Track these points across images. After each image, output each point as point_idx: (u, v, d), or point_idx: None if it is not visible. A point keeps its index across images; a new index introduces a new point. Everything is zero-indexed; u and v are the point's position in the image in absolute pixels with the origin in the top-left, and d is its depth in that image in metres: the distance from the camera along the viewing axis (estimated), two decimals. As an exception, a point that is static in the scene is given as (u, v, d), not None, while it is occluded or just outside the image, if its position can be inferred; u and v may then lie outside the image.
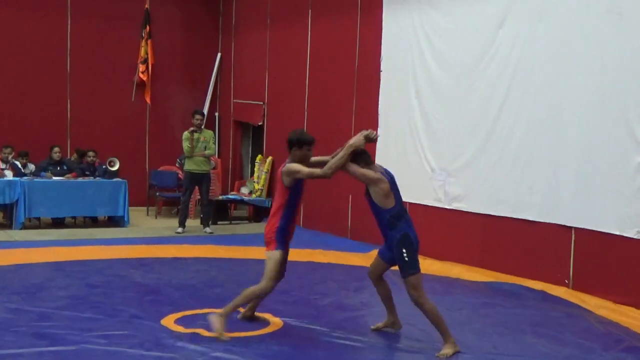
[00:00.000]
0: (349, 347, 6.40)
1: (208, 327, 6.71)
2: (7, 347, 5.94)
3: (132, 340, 6.28)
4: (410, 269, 6.33)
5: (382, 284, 6.96)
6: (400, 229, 6.41)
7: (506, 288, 8.90)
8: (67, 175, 12.99)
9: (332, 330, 6.89)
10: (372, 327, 7.00)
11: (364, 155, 6.47)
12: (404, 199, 10.93)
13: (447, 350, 6.27)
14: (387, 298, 6.97)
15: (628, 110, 8.02)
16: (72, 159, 13.88)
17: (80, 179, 13.02)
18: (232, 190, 15.46)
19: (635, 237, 7.98)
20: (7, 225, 12.61)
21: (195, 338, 6.42)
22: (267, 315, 7.25)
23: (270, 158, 14.44)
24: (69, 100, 14.94)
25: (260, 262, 8.59)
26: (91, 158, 13.52)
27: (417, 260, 6.41)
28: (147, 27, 15.30)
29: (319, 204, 13.05)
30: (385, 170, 6.67)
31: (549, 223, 8.97)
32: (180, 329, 6.70)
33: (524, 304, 8.24)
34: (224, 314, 6.48)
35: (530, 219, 9.19)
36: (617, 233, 8.17)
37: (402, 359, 6.32)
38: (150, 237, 11.92)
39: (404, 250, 6.35)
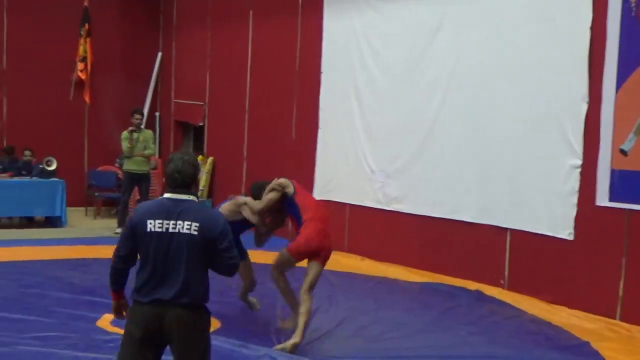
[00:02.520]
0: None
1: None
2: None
3: (66, 341, 6.22)
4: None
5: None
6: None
7: (442, 289, 9.02)
8: (2, 175, 12.74)
9: (264, 327, 6.94)
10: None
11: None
12: (345, 200, 11.12)
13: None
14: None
15: (561, 113, 8.22)
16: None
17: (16, 179, 12.78)
18: (172, 190, 15.31)
19: (567, 238, 8.18)
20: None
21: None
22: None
23: (211, 158, 14.39)
24: (5, 98, 14.66)
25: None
26: (27, 157, 13.28)
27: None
28: (87, 25, 15.06)
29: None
30: None
31: (484, 224, 9.13)
32: (116, 330, 6.63)
33: (459, 304, 8.37)
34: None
35: (467, 220, 9.34)
36: (550, 234, 8.36)
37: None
38: (88, 238, 11.77)
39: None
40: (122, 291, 4.32)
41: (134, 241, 4.10)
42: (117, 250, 4.21)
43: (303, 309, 6.39)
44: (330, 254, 6.77)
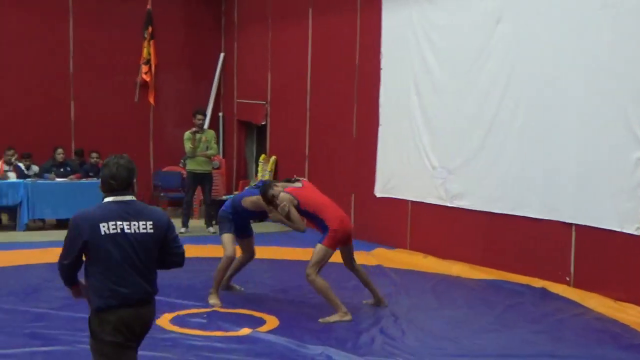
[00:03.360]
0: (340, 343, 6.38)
1: (203, 327, 6.73)
2: (0, 347, 5.95)
3: (125, 340, 6.26)
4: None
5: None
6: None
7: (506, 286, 8.85)
8: (71, 177, 13.00)
9: (325, 327, 6.90)
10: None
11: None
12: (406, 197, 11.03)
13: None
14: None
15: (626, 105, 7.96)
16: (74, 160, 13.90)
17: (83, 180, 13.03)
18: (236, 190, 15.44)
19: (635, 233, 7.91)
20: (12, 226, 12.63)
21: (189, 337, 6.42)
22: (263, 314, 7.25)
23: (273, 157, 14.43)
24: (72, 102, 14.97)
25: (262, 261, 8.78)
26: (94, 159, 13.53)
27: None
28: (150, 28, 15.25)
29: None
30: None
31: (549, 220, 8.91)
32: (174, 328, 6.71)
33: (523, 301, 8.20)
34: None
35: (531, 216, 9.14)
36: (617, 229, 8.10)
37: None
38: (152, 238, 11.89)
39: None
40: (78, 280, 4.25)
41: (82, 248, 4.05)
42: (62, 259, 4.15)
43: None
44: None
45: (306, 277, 7.25)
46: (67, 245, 4.13)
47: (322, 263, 7.24)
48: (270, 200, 7.39)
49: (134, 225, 4.09)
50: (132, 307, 4.08)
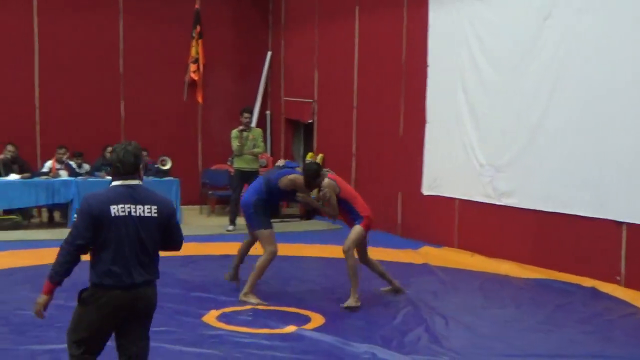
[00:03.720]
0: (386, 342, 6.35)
1: (249, 324, 6.76)
2: (51, 342, 6.08)
3: (172, 336, 6.35)
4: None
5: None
6: None
7: (555, 285, 8.73)
8: (121, 175, 13.14)
9: (371, 325, 6.88)
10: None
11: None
12: (453, 195, 10.96)
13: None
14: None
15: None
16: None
17: (132, 178, 13.16)
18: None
19: (688, 231, 7.75)
20: (64, 224, 12.84)
21: (235, 334, 6.46)
22: (308, 312, 7.26)
23: (320, 155, 14.43)
24: (122, 101, 15.17)
25: (308, 259, 8.85)
26: (143, 157, 13.66)
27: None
28: (198, 27, 15.41)
29: (368, 201, 12.94)
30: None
31: (599, 218, 8.76)
32: (221, 325, 6.76)
33: (572, 300, 8.07)
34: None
35: (581, 214, 8.99)
36: (670, 228, 7.95)
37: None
38: (200, 235, 12.00)
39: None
40: (59, 285, 4.36)
41: (94, 229, 4.19)
42: (73, 239, 4.23)
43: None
44: None
45: (345, 251, 7.59)
46: (78, 224, 4.24)
47: (358, 243, 7.75)
48: (311, 183, 7.60)
49: (140, 208, 4.26)
50: (124, 289, 4.25)
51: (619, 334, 6.89)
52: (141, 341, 4.47)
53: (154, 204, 4.30)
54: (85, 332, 4.31)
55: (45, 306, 4.40)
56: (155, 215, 4.29)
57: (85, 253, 4.30)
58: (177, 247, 4.59)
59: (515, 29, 9.88)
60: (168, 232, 4.41)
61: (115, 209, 4.20)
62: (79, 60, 14.69)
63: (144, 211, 4.26)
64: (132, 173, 4.32)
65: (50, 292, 4.36)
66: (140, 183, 4.36)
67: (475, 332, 6.80)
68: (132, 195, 4.26)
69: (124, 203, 4.22)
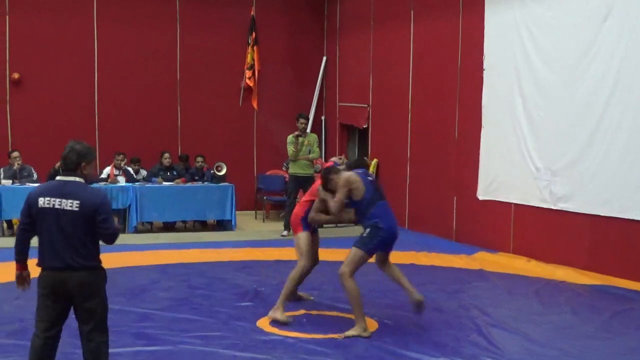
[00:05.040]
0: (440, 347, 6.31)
1: (302, 329, 6.78)
2: (107, 346, 6.14)
3: (226, 341, 6.42)
4: (360, 244, 6.76)
5: (388, 269, 7.17)
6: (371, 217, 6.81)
7: (614, 291, 8.57)
8: (177, 181, 13.33)
9: (424, 331, 6.84)
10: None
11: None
12: (509, 199, 10.82)
13: (354, 332, 6.62)
14: (396, 279, 7.14)
15: None
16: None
17: (189, 184, 13.35)
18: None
19: None
20: (122, 229, 13.03)
21: (288, 340, 6.49)
22: (361, 318, 7.23)
23: (375, 160, 14.41)
24: (179, 107, 15.37)
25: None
26: (200, 163, 13.83)
27: (373, 246, 6.78)
28: (253, 34, 15.58)
29: (423, 206, 12.93)
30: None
31: (658, 223, 8.59)
32: (275, 330, 6.79)
33: (632, 307, 7.91)
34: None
35: (638, 218, 8.81)
36: None
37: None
38: (255, 240, 12.10)
39: (368, 231, 6.78)
40: (24, 262, 5.02)
41: (30, 215, 4.85)
42: (19, 224, 4.99)
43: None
44: None
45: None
46: (22, 211, 4.92)
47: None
48: (325, 185, 7.07)
49: (64, 202, 4.77)
50: (52, 271, 4.81)
51: (680, 342, 6.73)
52: (88, 326, 4.89)
53: (77, 199, 4.76)
54: (39, 309, 4.90)
55: (19, 280, 5.07)
56: (77, 209, 4.74)
57: (31, 236, 4.94)
58: (106, 239, 4.91)
59: (573, 31, 9.74)
60: (94, 225, 4.80)
61: (42, 201, 4.79)
62: (136, 68, 14.96)
63: (66, 205, 4.75)
64: (73, 170, 4.87)
65: (19, 269, 5.03)
66: (77, 179, 4.85)
67: (530, 339, 6.70)
68: (61, 190, 4.80)
69: (51, 196, 4.79)
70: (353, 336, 6.56)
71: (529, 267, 9.95)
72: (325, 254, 8.86)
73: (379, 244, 6.78)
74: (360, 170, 7.08)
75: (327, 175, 7.00)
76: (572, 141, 9.74)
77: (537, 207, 10.36)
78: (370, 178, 7.03)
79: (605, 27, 9.24)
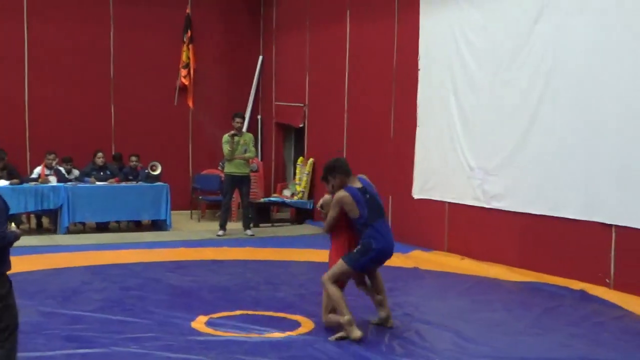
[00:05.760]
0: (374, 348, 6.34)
1: (238, 330, 6.74)
2: (38, 349, 6.03)
3: (160, 342, 6.33)
4: (348, 259, 6.65)
5: (374, 279, 7.10)
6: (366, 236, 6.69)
7: (544, 288, 8.73)
8: (110, 180, 13.12)
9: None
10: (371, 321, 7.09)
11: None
12: (444, 198, 10.93)
13: (342, 334, 6.49)
14: (378, 290, 7.07)
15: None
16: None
17: (122, 184, 13.16)
18: (274, 192, 15.49)
19: (677, 234, 7.76)
20: (52, 230, 12.80)
21: (224, 340, 6.44)
22: (298, 317, 7.23)
23: (311, 160, 14.42)
24: (112, 106, 15.14)
25: (299, 264, 8.57)
26: (134, 163, 13.65)
27: (360, 263, 6.68)
28: (189, 32, 15.45)
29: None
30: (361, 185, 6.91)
31: (589, 221, 8.76)
32: (210, 331, 6.73)
33: (561, 304, 8.07)
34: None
35: (570, 217, 9.00)
36: (659, 230, 7.95)
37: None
38: (190, 240, 12.00)
39: (360, 247, 6.68)
40: None
41: None
42: None
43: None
44: None
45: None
46: None
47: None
48: (325, 178, 7.00)
49: None
50: None
51: (609, 336, 6.89)
52: None
53: None
54: None
55: None
56: None
57: None
58: None
59: (506, 33, 9.89)
60: None
61: None
62: (68, 66, 14.69)
63: None
64: None
65: None
66: None
67: (462, 336, 6.76)
68: None
69: None
70: (342, 338, 6.46)
71: (462, 265, 10.09)
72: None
73: (368, 261, 6.72)
74: (359, 184, 6.89)
75: (328, 175, 6.93)
76: (505, 141, 9.89)
77: (471, 206, 10.51)
78: (367, 195, 6.80)
79: (537, 28, 9.41)
